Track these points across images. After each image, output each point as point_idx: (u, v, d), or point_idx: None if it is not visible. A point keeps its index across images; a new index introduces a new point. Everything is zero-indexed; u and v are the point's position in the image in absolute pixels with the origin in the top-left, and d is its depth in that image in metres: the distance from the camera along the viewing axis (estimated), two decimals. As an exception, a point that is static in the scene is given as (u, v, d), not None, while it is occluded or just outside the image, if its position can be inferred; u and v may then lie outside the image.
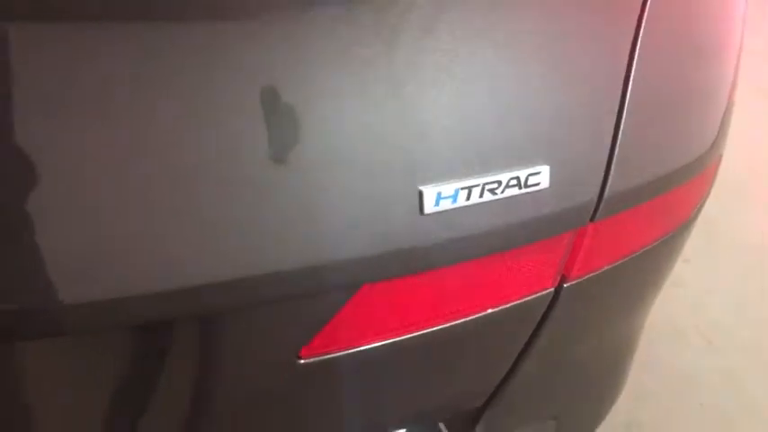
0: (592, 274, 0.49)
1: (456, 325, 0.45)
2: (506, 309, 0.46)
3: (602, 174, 0.43)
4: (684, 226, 0.57)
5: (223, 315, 0.39)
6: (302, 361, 0.42)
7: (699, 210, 0.59)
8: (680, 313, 1.56)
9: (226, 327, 0.40)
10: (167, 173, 0.34)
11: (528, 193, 0.41)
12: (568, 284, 0.48)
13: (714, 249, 1.80)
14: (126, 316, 0.36)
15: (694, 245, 1.77)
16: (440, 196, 0.38)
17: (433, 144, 0.38)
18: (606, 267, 0.50)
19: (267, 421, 0.48)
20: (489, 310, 0.46)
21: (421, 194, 0.37)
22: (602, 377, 0.68)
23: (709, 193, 0.60)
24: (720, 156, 0.57)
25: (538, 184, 0.41)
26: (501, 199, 0.40)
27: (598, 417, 0.71)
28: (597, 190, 0.44)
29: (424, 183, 0.38)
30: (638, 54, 0.43)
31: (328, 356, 0.42)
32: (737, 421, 1.29)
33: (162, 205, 0.34)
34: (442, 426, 0.58)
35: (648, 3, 0.44)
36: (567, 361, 0.59)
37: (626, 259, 0.51)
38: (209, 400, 0.44)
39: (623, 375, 0.71)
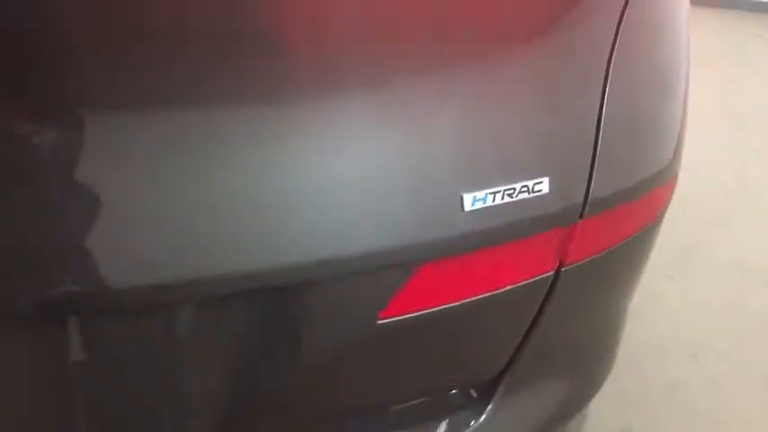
0: (582, 261, 0.64)
1: (484, 298, 0.60)
2: (518, 287, 0.62)
3: (586, 184, 0.60)
4: (651, 226, 0.72)
5: (327, 284, 0.54)
6: (380, 322, 0.56)
7: (662, 214, 0.74)
8: (664, 329, 1.67)
9: (328, 294, 0.55)
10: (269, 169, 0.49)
11: (534, 196, 0.56)
12: (565, 268, 0.63)
13: (695, 268, 1.92)
14: (249, 284, 0.51)
15: (677, 263, 1.89)
16: (475, 199, 0.54)
17: (472, 163, 0.55)
18: (593, 256, 0.65)
19: (345, 379, 0.62)
20: (507, 287, 0.61)
21: (462, 198, 0.54)
22: (597, 348, 0.84)
23: (669, 201, 0.74)
24: (677, 172, 0.73)
25: (540, 191, 0.57)
26: (515, 201, 0.56)
27: (597, 383, 0.86)
28: (583, 195, 0.60)
29: (465, 190, 0.54)
30: (608, 93, 0.59)
31: (397, 318, 0.57)
32: (726, 427, 1.39)
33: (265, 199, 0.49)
34: (472, 391, 0.72)
35: (615, 52, 0.60)
36: (567, 332, 0.74)
37: (608, 250, 0.66)
38: (306, 359, 0.58)
39: (615, 347, 0.87)
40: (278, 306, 0.55)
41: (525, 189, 0.56)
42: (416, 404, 0.71)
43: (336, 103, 0.51)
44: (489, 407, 0.72)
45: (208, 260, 0.48)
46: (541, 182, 0.57)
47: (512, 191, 0.55)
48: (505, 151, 0.56)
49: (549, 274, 0.63)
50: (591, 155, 0.59)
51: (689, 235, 2.03)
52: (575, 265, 0.64)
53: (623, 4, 0.61)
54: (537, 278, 0.62)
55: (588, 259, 0.65)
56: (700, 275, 1.88)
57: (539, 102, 0.58)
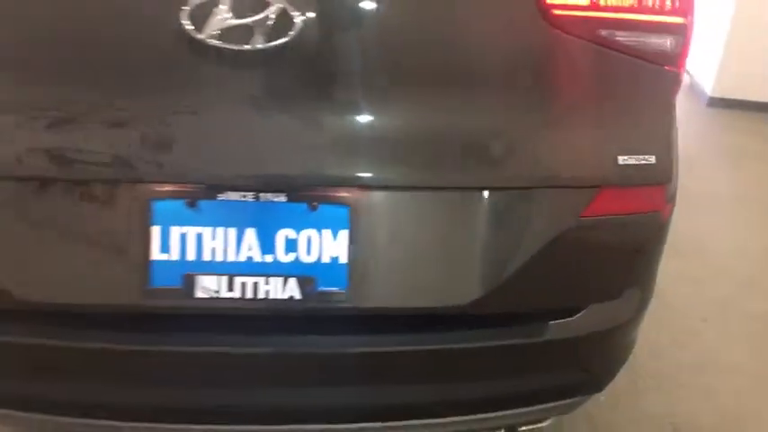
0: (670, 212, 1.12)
1: (630, 217, 1.08)
2: (645, 215, 1.11)
3: (672, 163, 1.09)
4: (650, 215, 1.12)
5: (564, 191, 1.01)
6: (582, 219, 1.01)
7: (660, 214, 1.13)
8: (700, 356, 2.20)
9: (562, 197, 1.02)
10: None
11: (649, 163, 1.05)
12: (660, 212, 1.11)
13: (726, 314, 2.45)
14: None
15: (711, 310, 2.42)
16: (623, 159, 1.02)
17: (627, 140, 1.06)
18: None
19: (546, 266, 1.04)
20: (641, 213, 1.10)
21: (617, 157, 1.03)
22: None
23: (669, 205, 1.16)
24: (673, 195, 1.15)
25: (651, 161, 1.06)
26: (639, 163, 1.05)
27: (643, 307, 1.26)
28: (671, 171, 1.09)
29: (619, 153, 1.03)
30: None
31: (590, 218, 1.02)
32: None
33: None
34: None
35: None
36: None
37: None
38: (537, 244, 1.02)
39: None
40: (520, 204, 1.01)
41: (645, 159, 1.03)
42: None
43: None
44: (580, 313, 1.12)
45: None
46: (651, 157, 1.04)
47: (638, 158, 1.02)
48: (638, 139, 1.03)
49: (659, 212, 1.10)
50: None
51: (721, 290, 2.58)
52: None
53: None
54: (652, 213, 1.09)
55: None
56: (729, 319, 2.42)
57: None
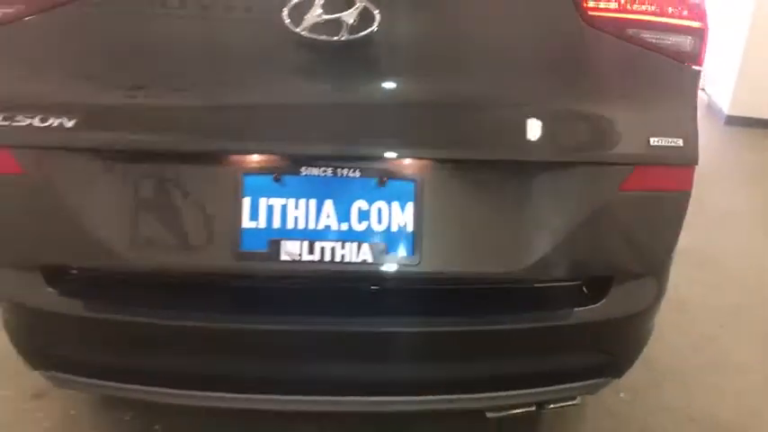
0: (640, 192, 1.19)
1: (659, 194, 1.22)
2: (672, 193, 1.24)
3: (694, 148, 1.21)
4: (678, 194, 1.25)
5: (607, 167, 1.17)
6: (620, 192, 1.15)
7: (686, 194, 1.26)
8: (716, 355, 2.30)
9: (606, 173, 1.18)
10: None
11: (676, 146, 1.18)
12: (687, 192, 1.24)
13: (740, 320, 2.55)
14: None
15: (727, 317, 2.52)
16: (655, 140, 1.17)
17: (661, 124, 1.20)
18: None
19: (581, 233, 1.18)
20: (667, 191, 1.23)
21: (650, 139, 1.16)
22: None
23: (687, 185, 1.28)
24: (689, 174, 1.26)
25: (680, 144, 1.20)
26: (666, 145, 1.19)
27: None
28: (694, 153, 1.21)
29: (652, 136, 1.18)
30: None
31: (627, 192, 1.16)
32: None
33: None
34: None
35: None
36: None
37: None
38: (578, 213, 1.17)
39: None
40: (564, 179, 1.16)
41: (673, 142, 1.16)
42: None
43: None
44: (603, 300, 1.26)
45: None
46: (679, 140, 1.18)
47: (668, 140, 1.16)
48: (666, 125, 1.17)
49: (686, 191, 1.23)
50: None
51: (737, 298, 2.68)
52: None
53: None
54: (679, 192, 1.22)
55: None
56: (744, 324, 2.52)
57: None
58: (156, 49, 1.09)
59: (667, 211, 1.26)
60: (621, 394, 2.01)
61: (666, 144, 1.17)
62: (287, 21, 1.04)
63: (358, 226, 1.12)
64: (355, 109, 1.10)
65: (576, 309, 1.29)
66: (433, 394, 1.32)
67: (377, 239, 1.12)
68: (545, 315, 1.29)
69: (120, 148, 1.08)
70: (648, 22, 1.17)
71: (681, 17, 1.19)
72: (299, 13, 1.04)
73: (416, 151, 1.13)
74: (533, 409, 1.46)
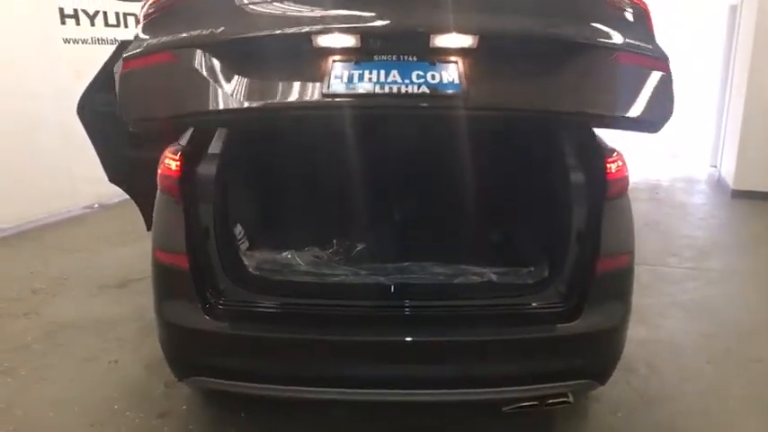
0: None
1: None
2: None
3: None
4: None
5: None
6: (613, 61, 1.80)
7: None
8: (702, 386, 2.74)
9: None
10: None
11: None
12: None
13: (728, 358, 2.98)
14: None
15: (715, 354, 2.98)
16: None
17: None
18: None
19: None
20: None
21: None
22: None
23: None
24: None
25: None
26: None
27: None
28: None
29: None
30: None
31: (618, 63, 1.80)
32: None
33: None
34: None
35: None
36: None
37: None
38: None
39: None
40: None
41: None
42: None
43: None
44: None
45: None
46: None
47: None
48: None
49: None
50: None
51: (724, 341, 3.14)
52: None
53: None
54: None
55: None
56: (729, 362, 2.96)
57: None
58: None
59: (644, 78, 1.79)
60: (619, 414, 2.48)
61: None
62: None
63: (417, 80, 1.71)
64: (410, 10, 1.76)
65: (559, 325, 1.95)
66: (465, 388, 1.98)
67: (432, 86, 1.71)
68: (538, 328, 2.00)
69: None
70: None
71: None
72: None
73: (460, 44, 1.73)
74: (537, 403, 2.02)
